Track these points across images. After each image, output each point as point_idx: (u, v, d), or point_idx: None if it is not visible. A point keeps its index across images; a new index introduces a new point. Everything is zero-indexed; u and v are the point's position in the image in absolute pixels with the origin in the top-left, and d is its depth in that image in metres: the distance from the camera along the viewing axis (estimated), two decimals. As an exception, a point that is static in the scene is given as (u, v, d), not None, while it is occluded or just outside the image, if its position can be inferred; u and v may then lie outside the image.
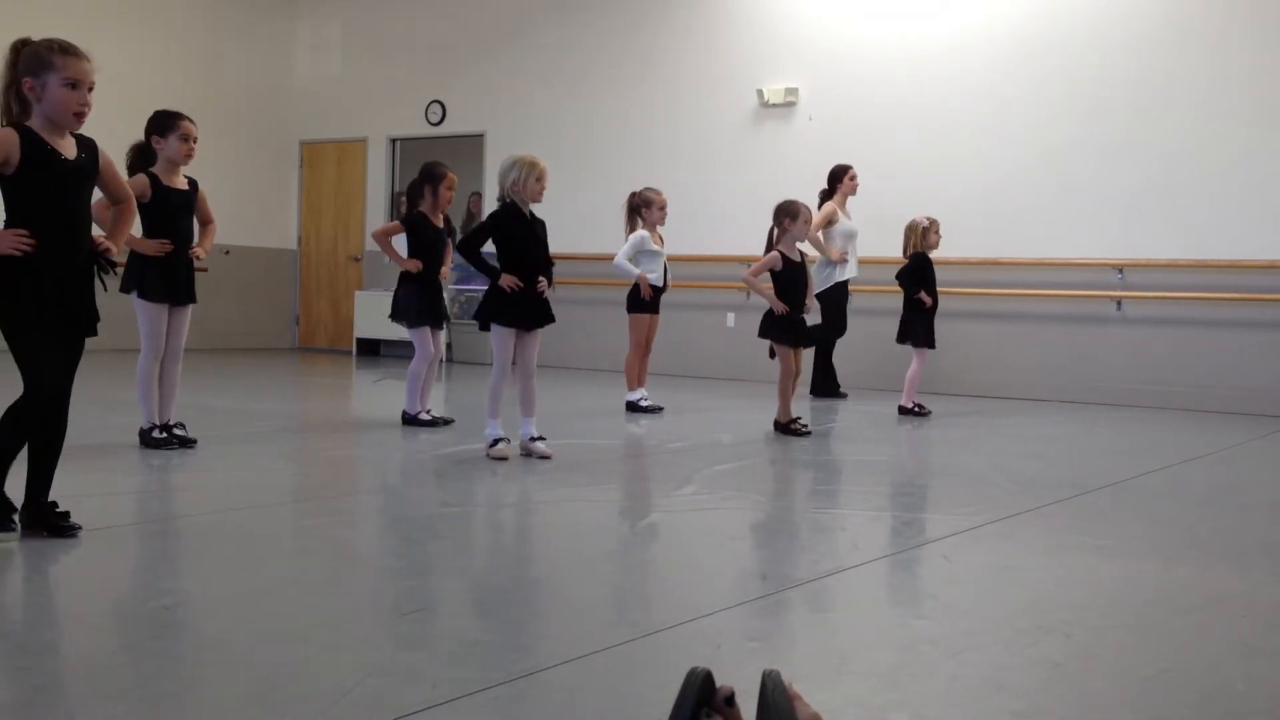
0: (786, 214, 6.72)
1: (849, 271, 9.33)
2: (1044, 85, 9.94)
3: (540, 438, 5.58)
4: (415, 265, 6.66)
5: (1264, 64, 9.16)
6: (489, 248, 5.62)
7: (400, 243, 6.91)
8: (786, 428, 6.72)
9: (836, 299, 9.30)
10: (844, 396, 9.36)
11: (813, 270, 9.27)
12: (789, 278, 6.73)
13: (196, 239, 5.56)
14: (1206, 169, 9.34)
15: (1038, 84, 9.97)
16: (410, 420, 6.70)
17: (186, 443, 5.52)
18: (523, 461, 5.44)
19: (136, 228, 5.44)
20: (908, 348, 8.39)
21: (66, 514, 3.58)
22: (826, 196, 9.35)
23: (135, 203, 4.01)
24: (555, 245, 5.74)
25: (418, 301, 6.68)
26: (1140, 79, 9.57)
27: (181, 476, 4.91)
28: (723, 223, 10.89)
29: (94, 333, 3.63)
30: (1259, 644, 2.87)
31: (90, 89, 3.58)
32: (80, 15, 11.50)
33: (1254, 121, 9.19)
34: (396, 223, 6.97)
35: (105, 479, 4.72)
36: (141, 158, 5.41)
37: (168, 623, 2.75)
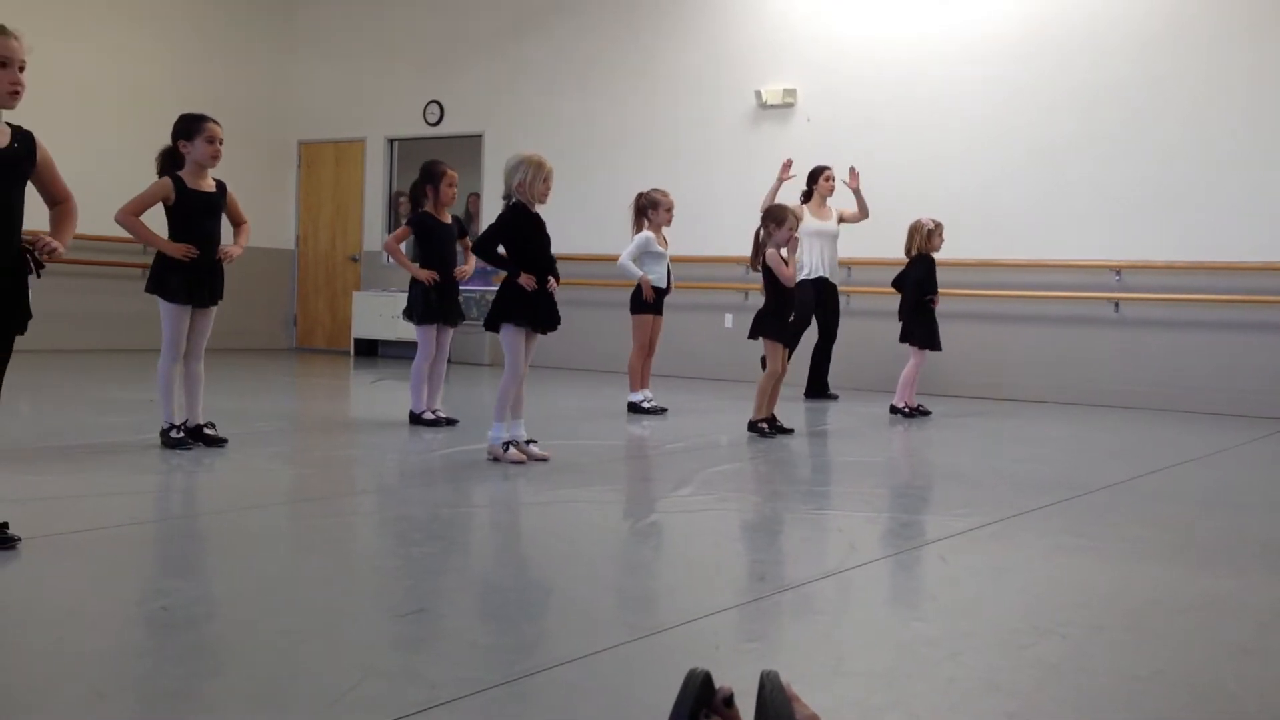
0: (772, 219, 6.79)
1: (817, 272, 9.07)
2: (1041, 86, 9.96)
3: (532, 440, 5.57)
4: (430, 276, 6.67)
5: (1261, 65, 9.18)
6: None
7: (406, 245, 6.92)
8: (756, 426, 6.77)
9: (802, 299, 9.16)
10: (834, 398, 9.33)
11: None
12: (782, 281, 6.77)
13: (233, 239, 5.58)
14: (1204, 170, 9.36)
15: (1035, 85, 9.98)
16: (416, 420, 6.72)
17: (216, 442, 5.53)
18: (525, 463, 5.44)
19: (161, 229, 5.46)
20: (904, 347, 8.41)
21: (4, 525, 3.38)
22: (806, 198, 9.35)
23: (75, 204, 3.67)
24: (555, 246, 5.74)
25: (424, 299, 6.70)
26: (1138, 80, 9.59)
27: (180, 477, 4.92)
28: (721, 224, 10.88)
29: (23, 330, 3.45)
30: (1253, 645, 2.88)
31: (21, 69, 3.36)
32: (77, 15, 11.56)
33: (1251, 122, 9.21)
34: (404, 227, 6.93)
35: (106, 479, 4.72)
36: (170, 162, 5.42)
37: (166, 622, 2.76)
